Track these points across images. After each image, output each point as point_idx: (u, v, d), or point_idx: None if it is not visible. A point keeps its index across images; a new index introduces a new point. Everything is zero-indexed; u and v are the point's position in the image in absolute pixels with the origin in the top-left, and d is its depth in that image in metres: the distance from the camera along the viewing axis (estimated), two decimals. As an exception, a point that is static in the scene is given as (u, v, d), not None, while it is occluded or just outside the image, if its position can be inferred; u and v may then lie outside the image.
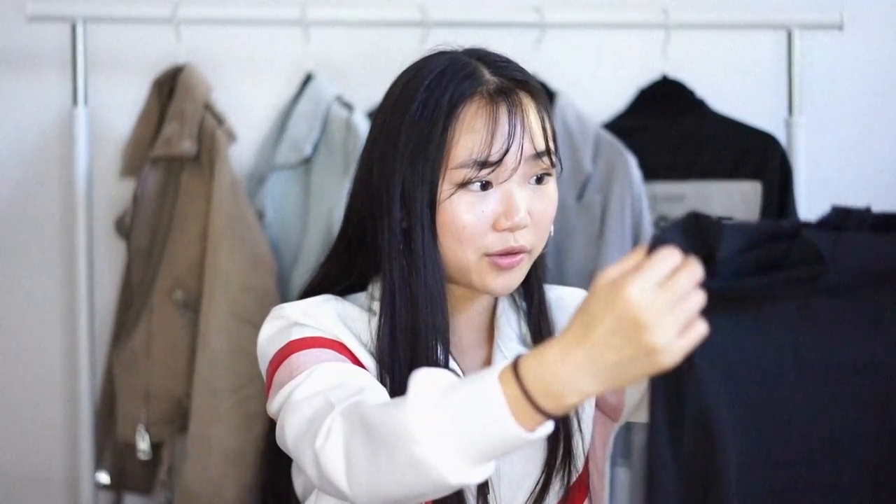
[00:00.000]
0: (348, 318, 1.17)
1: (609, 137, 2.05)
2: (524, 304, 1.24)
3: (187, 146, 1.94)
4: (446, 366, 1.14)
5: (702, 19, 2.12)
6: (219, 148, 1.95)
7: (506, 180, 1.13)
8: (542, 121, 1.16)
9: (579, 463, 1.20)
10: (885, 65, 2.24)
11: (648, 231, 2.02)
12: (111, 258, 2.14)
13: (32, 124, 2.16)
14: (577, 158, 2.04)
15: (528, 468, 1.17)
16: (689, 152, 2.08)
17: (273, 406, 1.11)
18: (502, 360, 1.15)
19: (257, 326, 1.22)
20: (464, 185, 1.11)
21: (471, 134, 1.11)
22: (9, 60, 2.15)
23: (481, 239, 1.12)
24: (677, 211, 2.07)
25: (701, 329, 0.82)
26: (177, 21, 1.97)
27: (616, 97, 2.19)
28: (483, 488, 1.14)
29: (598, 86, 2.21)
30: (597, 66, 2.24)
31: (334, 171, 1.97)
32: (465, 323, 1.21)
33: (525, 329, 1.23)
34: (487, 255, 1.12)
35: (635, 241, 2.01)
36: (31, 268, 2.17)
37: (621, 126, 2.12)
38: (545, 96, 1.20)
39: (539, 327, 1.22)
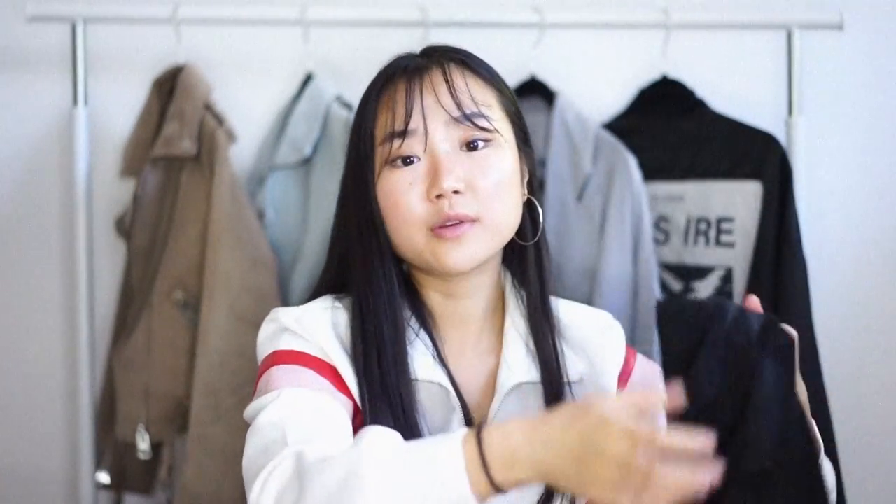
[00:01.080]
0: (339, 325, 1.16)
1: (609, 137, 2.05)
2: (523, 306, 1.22)
3: (187, 146, 1.94)
4: (405, 371, 1.13)
5: (702, 19, 2.12)
6: (219, 148, 1.95)
7: (425, 148, 1.12)
8: (463, 88, 1.14)
9: None
10: (885, 65, 2.24)
11: (648, 231, 2.02)
12: (111, 258, 2.14)
13: (32, 124, 2.16)
14: (577, 159, 2.04)
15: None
16: (689, 152, 2.08)
17: (246, 414, 1.12)
18: (507, 375, 1.16)
19: (257, 326, 1.22)
20: (390, 162, 1.13)
21: (386, 112, 1.14)
22: (9, 60, 2.15)
23: (418, 212, 1.11)
24: (677, 211, 2.07)
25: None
26: (177, 21, 1.97)
27: (616, 97, 2.19)
28: None
29: (598, 86, 2.21)
30: (597, 66, 2.23)
31: (334, 171, 1.97)
32: (468, 320, 1.19)
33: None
34: (430, 229, 1.12)
35: (635, 241, 2.01)
36: (31, 268, 2.17)
37: (621, 126, 2.12)
38: (482, 68, 1.18)
39: (538, 340, 1.19)
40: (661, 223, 2.09)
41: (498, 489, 0.91)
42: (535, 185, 1.22)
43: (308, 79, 2.07)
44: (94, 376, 2.05)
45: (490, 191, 1.12)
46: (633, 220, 2.01)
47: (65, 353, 2.16)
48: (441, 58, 1.17)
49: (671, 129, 2.11)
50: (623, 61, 2.22)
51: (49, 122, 2.16)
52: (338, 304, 1.19)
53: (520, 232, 1.20)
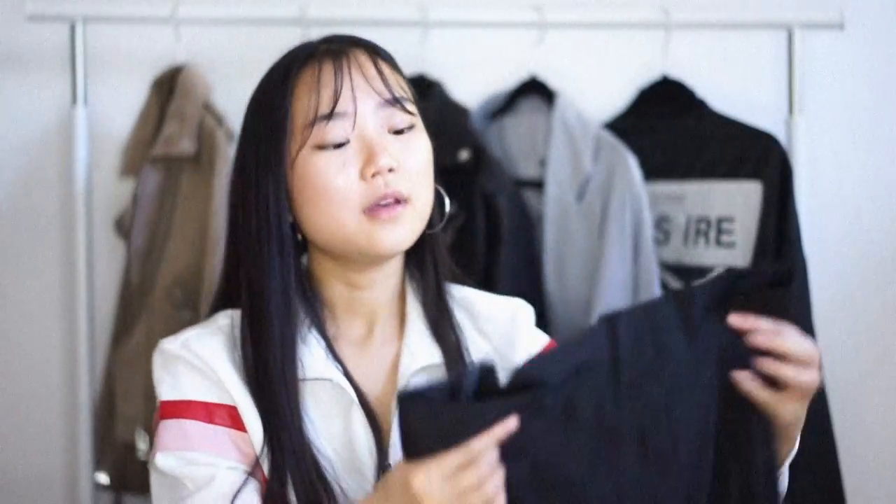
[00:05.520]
0: (237, 342, 1.14)
1: (609, 138, 2.05)
2: (421, 292, 1.21)
3: (187, 146, 1.94)
4: (293, 373, 1.12)
5: (702, 19, 2.12)
6: (218, 148, 1.95)
7: (355, 129, 1.11)
8: (387, 73, 1.14)
9: None
10: (885, 65, 2.24)
11: (649, 231, 2.02)
12: (111, 258, 2.14)
13: (32, 124, 2.16)
14: (578, 159, 2.04)
15: None
16: (689, 152, 2.08)
17: (151, 477, 1.12)
18: (408, 361, 1.16)
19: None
20: (316, 146, 1.11)
21: (306, 95, 1.12)
22: (9, 60, 2.15)
23: (352, 193, 1.10)
24: (677, 211, 2.07)
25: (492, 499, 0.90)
26: (176, 21, 1.97)
27: (616, 97, 2.19)
28: None
29: (598, 86, 2.21)
30: (597, 66, 2.23)
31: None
32: (372, 311, 1.18)
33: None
34: (364, 211, 1.10)
35: (635, 242, 2.01)
36: (31, 268, 2.17)
37: (621, 126, 2.12)
38: (389, 55, 1.18)
39: (438, 324, 1.19)
40: (661, 223, 2.09)
41: None
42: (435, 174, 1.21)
43: (308, 79, 2.07)
44: (94, 376, 2.05)
45: (419, 171, 1.13)
46: (633, 220, 2.01)
47: (65, 353, 2.16)
48: (357, 44, 1.16)
49: (671, 129, 2.11)
50: (623, 61, 2.22)
51: (48, 122, 2.15)
52: (235, 317, 1.17)
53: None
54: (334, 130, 1.10)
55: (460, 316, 1.22)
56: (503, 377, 0.93)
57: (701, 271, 2.05)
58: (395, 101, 1.13)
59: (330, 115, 1.10)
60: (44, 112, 2.15)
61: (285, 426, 1.10)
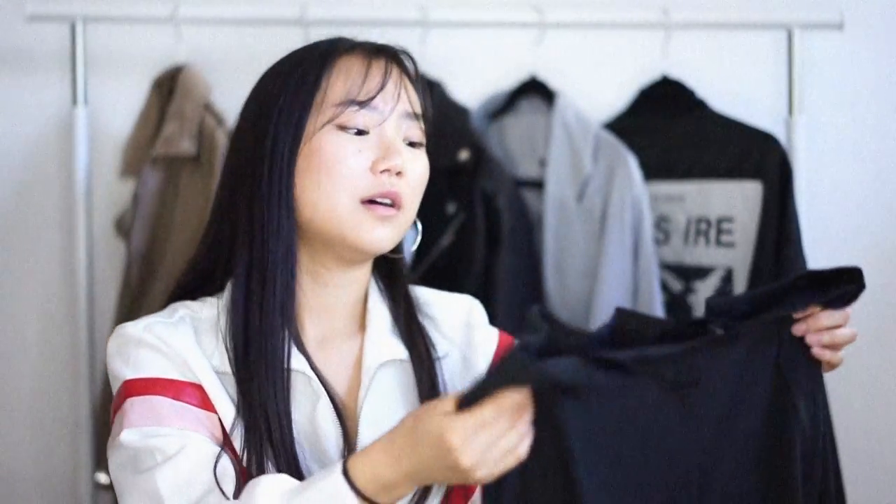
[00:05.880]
0: (201, 325, 1.14)
1: (609, 138, 2.05)
2: (390, 302, 1.23)
3: (187, 146, 1.95)
4: (284, 360, 1.12)
5: (702, 19, 2.12)
6: (218, 148, 1.95)
7: (381, 125, 1.14)
8: (417, 91, 1.19)
9: None
10: (885, 65, 2.24)
11: (649, 231, 2.02)
12: (111, 258, 2.14)
13: (32, 124, 2.16)
14: (578, 159, 2.04)
15: None
16: (690, 152, 2.08)
17: (111, 461, 1.10)
18: (372, 356, 1.17)
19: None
20: (339, 126, 1.12)
21: (346, 77, 1.14)
22: (9, 60, 2.15)
23: (357, 180, 1.11)
24: (677, 211, 2.07)
25: (519, 455, 0.94)
26: (177, 21, 1.97)
27: (616, 97, 2.19)
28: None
29: (598, 86, 2.21)
30: (597, 66, 2.23)
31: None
32: (334, 311, 1.19)
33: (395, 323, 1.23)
34: (362, 201, 1.12)
35: (635, 241, 2.01)
36: (32, 268, 2.17)
37: (621, 126, 2.12)
38: (421, 76, 1.22)
39: (410, 328, 1.22)
40: (661, 223, 2.09)
41: None
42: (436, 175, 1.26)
43: (308, 79, 2.07)
44: (94, 376, 2.05)
45: (418, 185, 1.17)
46: (634, 220, 2.01)
47: (65, 352, 2.16)
48: (405, 55, 1.20)
49: (671, 129, 2.11)
50: (623, 61, 2.22)
51: (49, 122, 2.16)
52: (192, 305, 1.17)
53: None
54: (363, 118, 1.13)
55: (420, 318, 1.25)
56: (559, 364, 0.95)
57: (701, 271, 2.05)
58: (417, 118, 1.17)
59: (365, 104, 1.13)
60: (44, 112, 2.15)
61: (273, 410, 1.09)
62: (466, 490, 1.18)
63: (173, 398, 1.09)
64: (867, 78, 2.25)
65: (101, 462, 2.04)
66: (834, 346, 1.11)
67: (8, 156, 2.16)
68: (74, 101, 2.03)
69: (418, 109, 1.18)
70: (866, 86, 2.25)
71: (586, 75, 2.21)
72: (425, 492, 1.13)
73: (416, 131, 1.17)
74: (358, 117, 1.13)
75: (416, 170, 1.15)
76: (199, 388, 1.10)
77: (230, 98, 2.10)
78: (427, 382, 1.18)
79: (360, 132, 1.13)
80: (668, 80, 2.14)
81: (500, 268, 1.96)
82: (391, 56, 1.17)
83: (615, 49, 2.23)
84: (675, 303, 2.06)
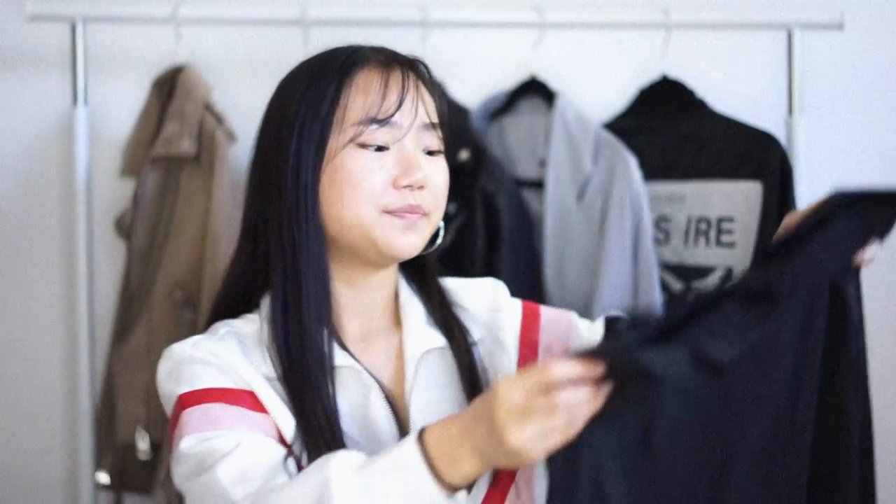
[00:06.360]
0: (245, 340, 1.18)
1: (609, 138, 2.05)
2: (423, 296, 1.27)
3: (187, 146, 1.95)
4: (331, 347, 1.15)
5: (702, 19, 2.12)
6: (218, 148, 1.95)
7: (400, 140, 1.16)
8: (434, 100, 1.22)
9: None
10: (885, 65, 2.24)
11: (649, 231, 2.02)
12: (111, 258, 2.14)
13: (32, 124, 2.16)
14: (577, 159, 2.04)
15: None
16: (690, 152, 2.08)
17: (176, 476, 1.11)
18: (414, 345, 1.20)
19: (256, 326, 1.23)
20: (360, 143, 1.15)
21: (365, 94, 1.16)
22: (9, 60, 2.15)
23: (380, 195, 1.15)
24: (677, 211, 2.07)
25: (571, 433, 0.91)
26: (177, 21, 1.97)
27: (616, 97, 2.19)
28: None
29: (598, 86, 2.21)
30: (597, 66, 2.23)
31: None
32: (370, 310, 1.23)
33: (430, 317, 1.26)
34: (387, 211, 1.15)
35: (635, 242, 2.01)
36: (31, 268, 2.17)
37: (621, 126, 2.12)
38: (436, 81, 1.25)
39: (445, 318, 1.25)
40: (661, 223, 2.09)
41: (451, 487, 0.96)
42: None
43: (308, 79, 2.07)
44: (94, 376, 2.05)
45: (441, 195, 1.20)
46: (633, 220, 2.01)
47: (65, 353, 2.16)
48: (419, 64, 1.23)
49: (671, 129, 2.11)
50: (623, 61, 2.22)
51: (49, 121, 2.16)
52: (234, 322, 1.21)
53: None
54: (383, 135, 1.16)
55: (452, 308, 1.29)
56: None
57: (701, 271, 2.05)
58: (434, 127, 1.20)
59: (385, 122, 1.15)
60: (44, 112, 2.15)
61: (323, 411, 1.12)
62: (512, 477, 1.20)
63: (227, 403, 1.12)
64: (867, 78, 2.25)
65: (101, 462, 2.04)
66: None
67: (8, 156, 2.16)
68: (74, 101, 2.03)
69: (435, 118, 1.20)
70: (866, 86, 2.25)
71: (586, 75, 2.21)
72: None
73: (435, 140, 1.20)
74: (378, 135, 1.15)
75: (436, 178, 1.19)
76: (252, 393, 1.13)
77: (230, 98, 2.10)
78: (467, 366, 1.22)
79: (381, 148, 1.16)
80: (668, 80, 2.14)
81: (499, 268, 1.96)
82: (407, 66, 1.20)
83: (615, 49, 2.23)
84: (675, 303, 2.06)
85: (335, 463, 0.99)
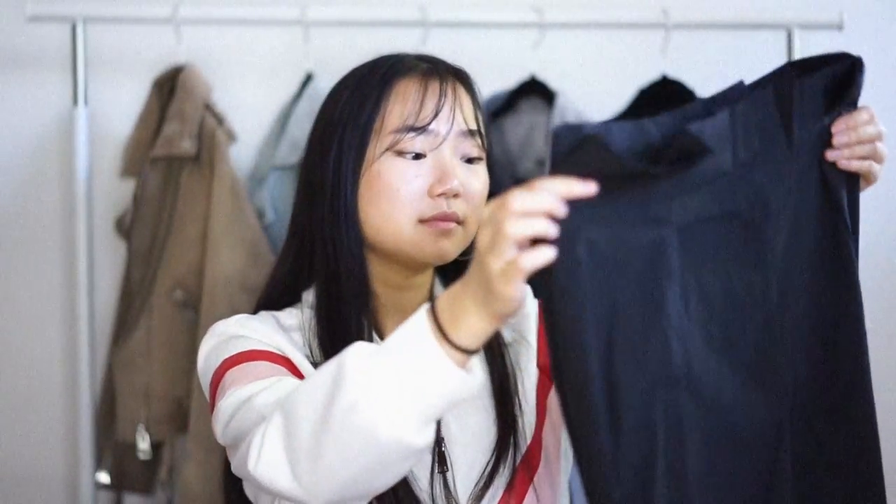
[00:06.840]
0: (288, 327, 1.21)
1: (609, 137, 2.05)
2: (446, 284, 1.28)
3: (187, 146, 1.95)
4: (370, 340, 1.18)
5: (701, 19, 2.12)
6: (219, 148, 1.95)
7: (437, 148, 1.18)
8: (474, 107, 1.23)
9: (528, 434, 1.22)
10: (885, 65, 2.24)
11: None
12: (111, 258, 2.14)
13: (32, 124, 2.16)
14: (577, 158, 2.04)
15: (477, 455, 1.19)
16: (689, 152, 2.08)
17: (217, 429, 1.12)
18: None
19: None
20: (397, 151, 1.17)
21: (403, 103, 1.18)
22: (9, 60, 2.15)
23: (416, 203, 1.17)
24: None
25: (545, 254, 0.87)
26: (177, 21, 1.97)
27: (616, 97, 2.19)
28: (442, 465, 1.17)
29: (598, 86, 2.21)
30: (597, 66, 2.24)
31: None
32: (409, 309, 1.22)
33: None
34: (421, 221, 1.17)
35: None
36: (32, 267, 2.17)
37: (621, 126, 2.12)
38: (477, 89, 1.27)
39: None
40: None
41: (460, 349, 0.92)
42: None
43: (308, 79, 2.07)
44: (94, 376, 2.05)
45: (478, 203, 1.21)
46: (633, 220, 2.00)
47: (65, 353, 2.16)
48: (459, 71, 1.25)
49: (671, 129, 2.11)
50: (623, 61, 2.22)
51: (49, 122, 2.16)
52: (277, 313, 1.23)
53: None
54: (420, 143, 1.18)
55: None
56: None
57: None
58: (473, 134, 1.21)
59: (422, 130, 1.17)
60: (44, 112, 2.15)
61: None
62: (530, 470, 1.20)
63: (271, 362, 1.14)
64: (867, 78, 2.24)
65: (101, 461, 2.04)
66: (865, 154, 1.15)
67: (8, 156, 2.16)
68: (75, 101, 2.03)
69: (474, 126, 1.21)
70: (866, 86, 2.24)
71: (586, 75, 2.21)
72: (493, 472, 1.17)
73: (474, 148, 1.21)
74: (415, 142, 1.17)
75: (474, 186, 1.20)
76: (293, 364, 1.16)
77: (230, 98, 2.11)
78: (498, 368, 1.23)
79: (418, 156, 1.18)
80: (668, 80, 2.13)
81: (500, 268, 1.96)
82: (448, 74, 1.21)
83: (615, 49, 2.23)
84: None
85: (351, 349, 0.97)
